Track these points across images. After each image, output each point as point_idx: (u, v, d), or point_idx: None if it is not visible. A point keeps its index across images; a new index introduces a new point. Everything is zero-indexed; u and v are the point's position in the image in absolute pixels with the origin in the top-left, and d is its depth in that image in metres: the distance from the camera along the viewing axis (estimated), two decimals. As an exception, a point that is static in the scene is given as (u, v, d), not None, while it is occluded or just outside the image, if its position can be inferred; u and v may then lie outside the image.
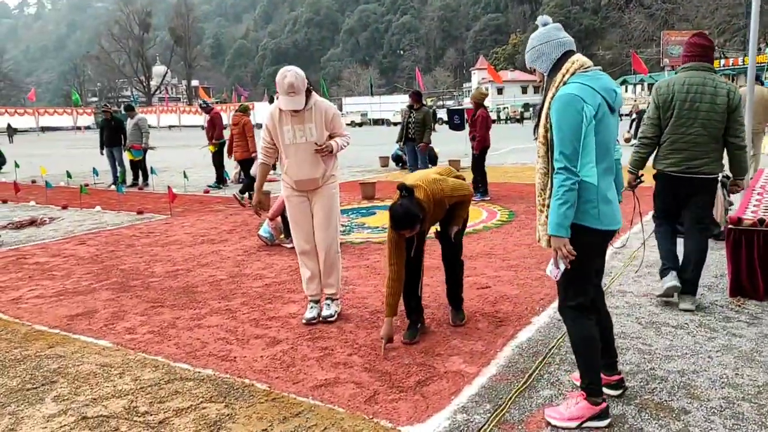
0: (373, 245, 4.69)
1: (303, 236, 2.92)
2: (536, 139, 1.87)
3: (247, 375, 2.34)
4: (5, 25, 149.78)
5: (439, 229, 2.75)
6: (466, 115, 9.85)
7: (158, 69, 71.00)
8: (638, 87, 39.38)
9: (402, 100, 38.63)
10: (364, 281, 3.64)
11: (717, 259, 3.79)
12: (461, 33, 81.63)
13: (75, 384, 2.32)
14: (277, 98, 2.77)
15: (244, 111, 7.70)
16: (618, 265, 3.81)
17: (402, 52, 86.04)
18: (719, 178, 3.00)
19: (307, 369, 2.38)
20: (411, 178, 2.57)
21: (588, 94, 1.74)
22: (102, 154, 9.54)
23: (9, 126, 33.13)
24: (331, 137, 2.85)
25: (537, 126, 1.87)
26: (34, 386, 2.32)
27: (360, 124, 43.23)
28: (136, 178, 9.50)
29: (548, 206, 1.80)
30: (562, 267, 1.81)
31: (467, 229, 3.13)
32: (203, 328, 2.91)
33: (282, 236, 4.75)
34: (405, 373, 2.30)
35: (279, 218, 4.69)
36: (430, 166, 7.99)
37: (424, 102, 8.04)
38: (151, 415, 2.06)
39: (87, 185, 8.31)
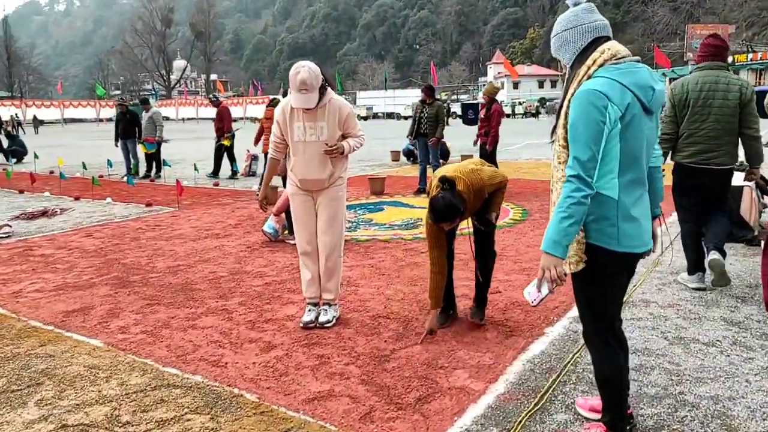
0: (379, 243, 4.52)
1: (306, 237, 2.78)
2: (553, 141, 1.60)
3: (237, 384, 2.20)
4: (36, 22, 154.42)
5: (476, 222, 2.67)
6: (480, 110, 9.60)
7: (179, 63, 71.98)
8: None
9: (416, 95, 38.25)
10: (367, 282, 3.48)
11: (750, 266, 3.51)
12: (478, 27, 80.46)
13: (60, 387, 2.22)
14: (290, 93, 2.61)
15: (277, 106, 7.62)
16: (640, 271, 3.54)
17: (418, 46, 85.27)
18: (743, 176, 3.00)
19: (300, 379, 2.23)
20: (448, 170, 2.52)
21: (615, 92, 1.46)
22: (117, 146, 9.63)
23: (35, 117, 34.05)
24: (344, 137, 2.70)
25: (555, 128, 1.59)
26: (20, 388, 2.22)
27: (365, 118, 42.60)
28: (149, 169, 9.55)
29: None
30: (545, 291, 1.53)
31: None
32: (197, 329, 2.79)
33: (286, 232, 4.63)
34: (405, 388, 2.13)
35: (284, 214, 4.57)
36: (441, 161, 7.78)
37: (438, 96, 7.82)
38: (133, 425, 1.93)
39: (101, 176, 8.35)
